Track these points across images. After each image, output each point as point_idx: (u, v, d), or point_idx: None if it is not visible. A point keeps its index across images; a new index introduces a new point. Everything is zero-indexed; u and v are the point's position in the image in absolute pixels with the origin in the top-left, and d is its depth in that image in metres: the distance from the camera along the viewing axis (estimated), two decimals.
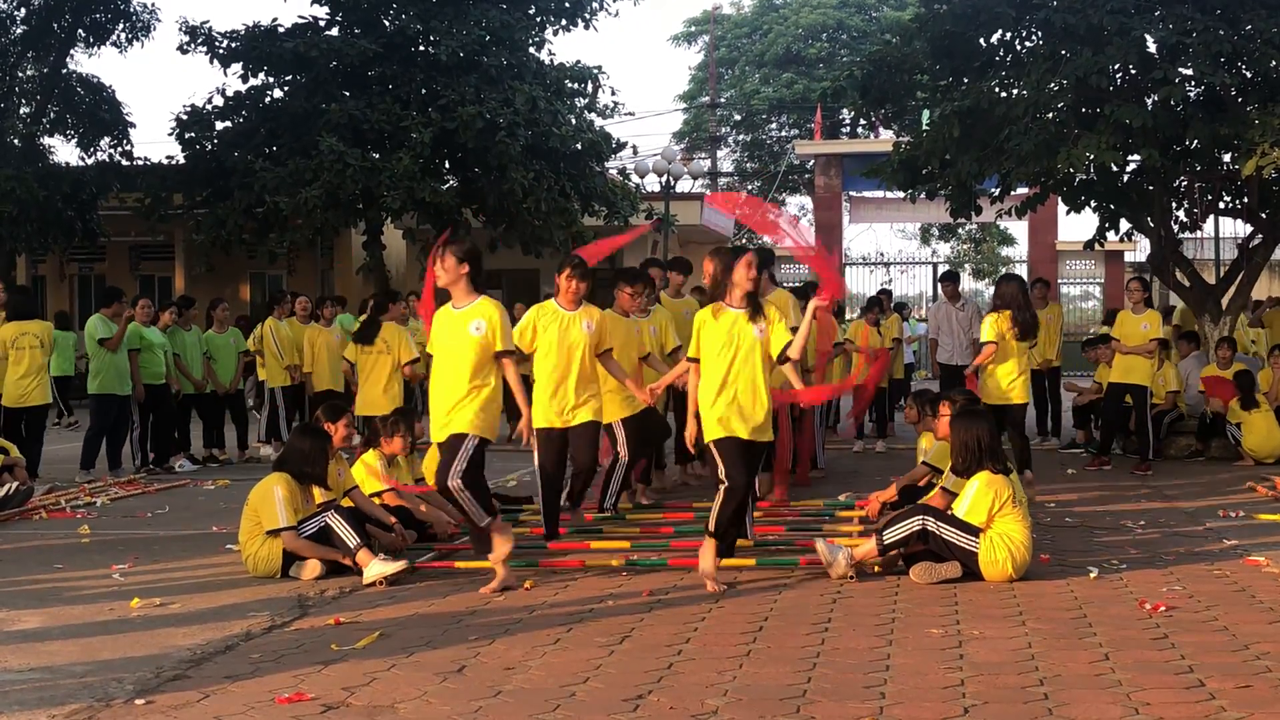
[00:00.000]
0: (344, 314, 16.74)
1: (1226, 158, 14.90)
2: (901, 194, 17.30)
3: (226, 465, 14.13)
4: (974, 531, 7.20)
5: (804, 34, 45.30)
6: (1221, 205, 16.81)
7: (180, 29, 22.11)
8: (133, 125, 24.90)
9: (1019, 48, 15.27)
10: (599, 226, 23.11)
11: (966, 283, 42.90)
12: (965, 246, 46.12)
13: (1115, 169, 14.77)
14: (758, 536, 8.45)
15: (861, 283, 33.71)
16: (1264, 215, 15.56)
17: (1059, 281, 31.57)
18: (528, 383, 8.04)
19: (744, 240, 40.67)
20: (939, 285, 17.15)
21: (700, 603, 6.80)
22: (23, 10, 24.51)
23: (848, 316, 19.37)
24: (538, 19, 22.92)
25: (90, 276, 28.60)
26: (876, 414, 15.24)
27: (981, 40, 15.15)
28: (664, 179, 27.59)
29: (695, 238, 28.42)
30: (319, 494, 8.13)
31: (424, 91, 21.48)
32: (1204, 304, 15.49)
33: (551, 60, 23.08)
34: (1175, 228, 16.68)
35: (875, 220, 37.90)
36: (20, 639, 6.26)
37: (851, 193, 35.41)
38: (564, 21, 23.03)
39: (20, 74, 25.93)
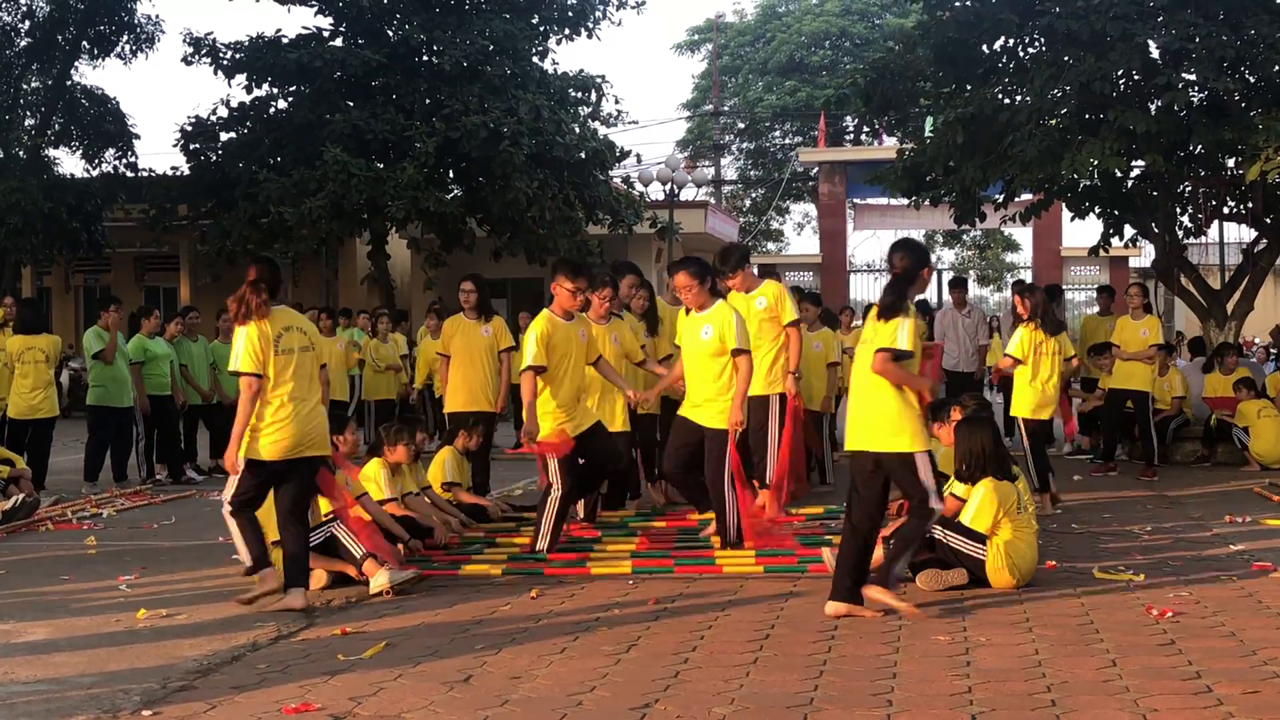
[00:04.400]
0: (352, 328, 16.79)
1: (1230, 163, 14.90)
2: (905, 201, 17.31)
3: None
4: (980, 539, 7.20)
5: (807, 41, 45.31)
6: (1226, 210, 16.80)
7: (184, 40, 22.17)
8: (137, 137, 24.99)
9: (1022, 54, 15.29)
10: (603, 235, 23.15)
11: (972, 289, 42.92)
12: (970, 253, 46.14)
13: (1119, 175, 14.76)
14: (762, 547, 8.45)
15: (866, 290, 33.73)
16: (1269, 220, 15.55)
17: (1064, 288, 31.52)
18: None
19: (749, 245, 40.76)
20: (948, 291, 17.09)
21: (707, 611, 6.80)
22: (27, 23, 24.59)
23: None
24: (541, 28, 22.97)
25: (96, 288, 28.63)
26: None
27: (984, 47, 15.16)
28: (668, 187, 27.58)
29: (700, 245, 28.44)
30: (325, 503, 8.13)
31: (428, 101, 21.51)
32: (1209, 310, 15.48)
33: (555, 69, 23.14)
34: (1180, 233, 16.67)
35: (879, 227, 37.82)
36: (27, 651, 6.27)
37: (855, 200, 35.40)
38: (567, 31, 23.08)
39: (25, 86, 26.01)
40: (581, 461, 8.60)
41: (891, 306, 6.40)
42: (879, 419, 6.46)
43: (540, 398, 8.37)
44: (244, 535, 7.23)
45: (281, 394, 7.09)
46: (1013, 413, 11.54)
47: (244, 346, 7.09)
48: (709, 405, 8.42)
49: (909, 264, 6.53)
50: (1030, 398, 10.60)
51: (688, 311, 8.67)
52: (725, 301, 8.69)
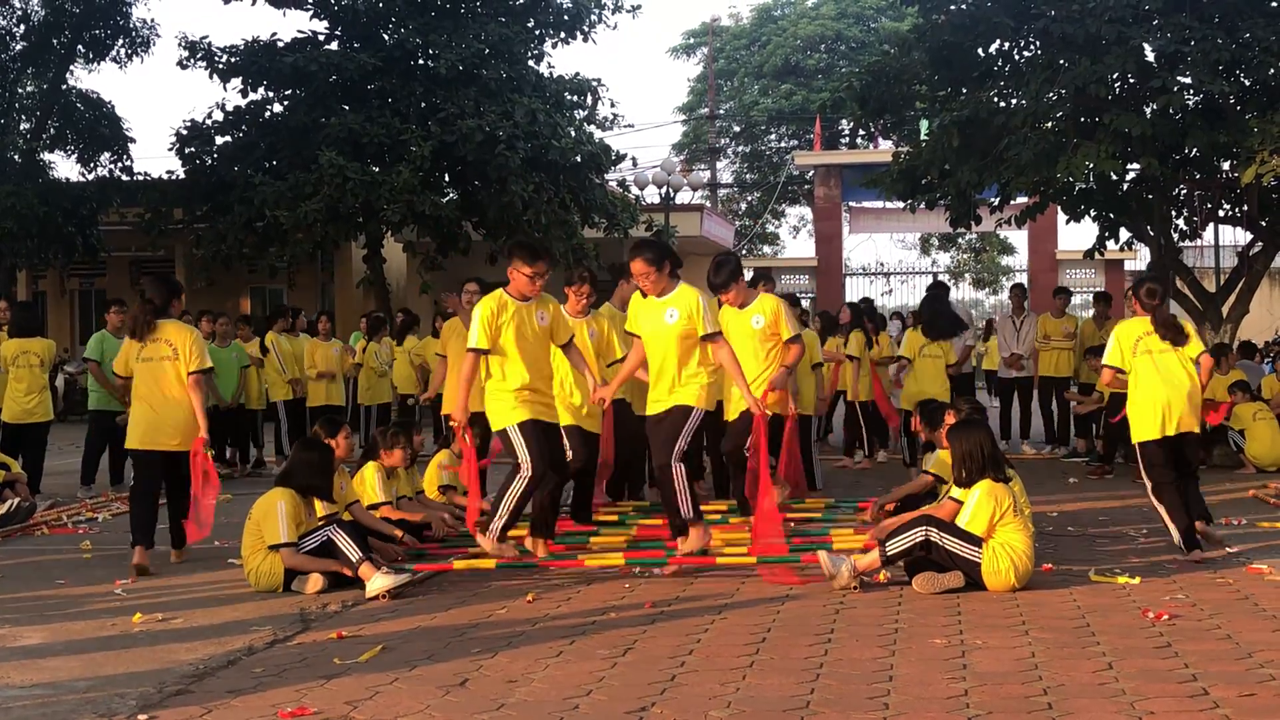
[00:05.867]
0: (355, 332, 16.86)
1: (1226, 165, 14.94)
2: (901, 204, 17.32)
3: (229, 479, 14.11)
4: (976, 541, 7.20)
5: (803, 45, 45.37)
6: (1221, 213, 16.83)
7: (180, 44, 22.14)
8: (133, 140, 24.96)
9: (1017, 57, 15.32)
10: (599, 238, 23.15)
11: (967, 292, 43.02)
12: (965, 256, 46.18)
13: (1114, 178, 14.80)
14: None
15: (861, 293, 33.74)
16: (1264, 223, 15.57)
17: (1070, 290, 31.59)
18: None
19: (744, 251, 40.81)
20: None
21: (703, 614, 6.80)
22: (22, 27, 24.57)
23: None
24: (537, 32, 22.97)
25: (91, 291, 28.63)
26: (875, 425, 15.00)
27: (980, 50, 15.18)
28: (663, 190, 27.62)
29: (695, 249, 28.47)
30: (321, 507, 8.13)
31: (423, 105, 21.50)
32: (1205, 313, 15.49)
33: (551, 73, 23.14)
34: (1175, 236, 16.70)
35: (875, 230, 37.96)
36: (23, 655, 6.26)
37: (851, 203, 35.47)
38: (563, 34, 23.09)
39: (20, 90, 26.00)
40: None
41: (1179, 337, 8.42)
42: (1192, 407, 8.30)
43: (492, 380, 7.94)
44: (131, 512, 8.75)
45: (138, 394, 8.63)
46: (902, 404, 12.81)
47: (119, 354, 8.90)
48: (678, 390, 7.88)
49: (1164, 299, 8.59)
50: (915, 391, 12.19)
51: (644, 295, 8.15)
52: (687, 284, 8.11)
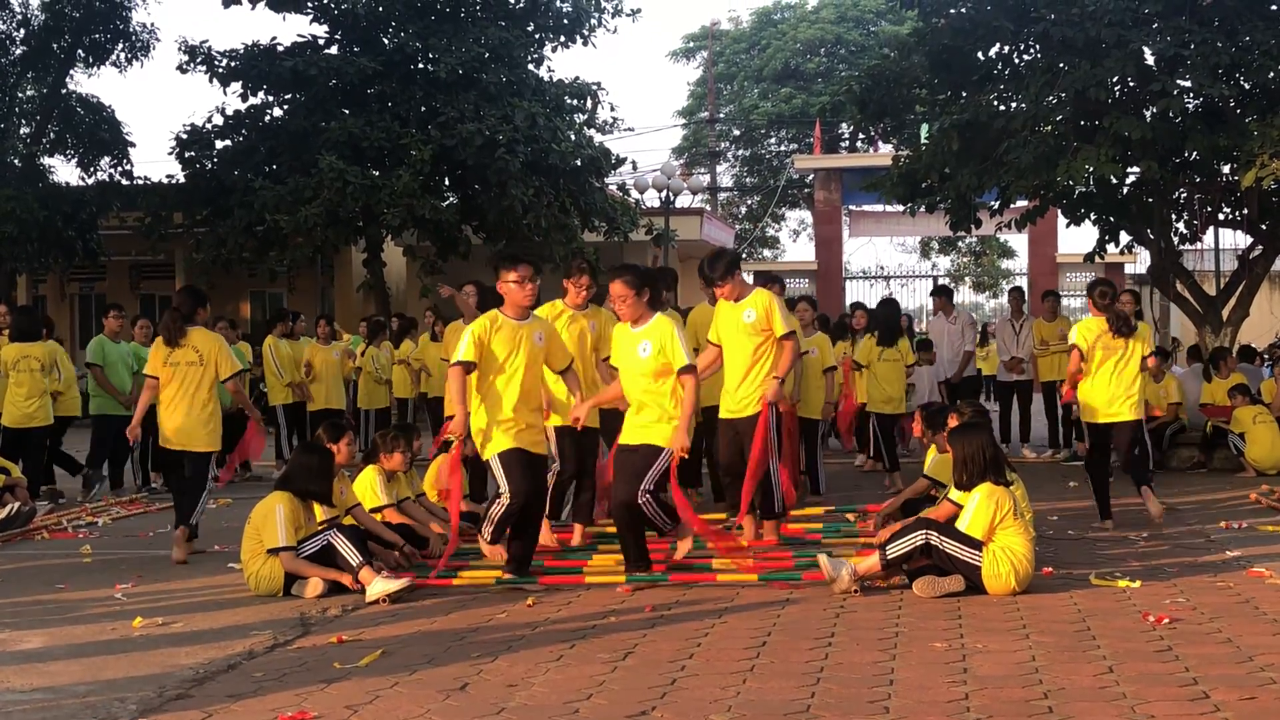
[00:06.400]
0: (354, 336, 16.87)
1: (1226, 169, 14.93)
2: (901, 207, 17.31)
3: (228, 484, 14.10)
4: (976, 545, 7.19)
5: (802, 49, 45.40)
6: (1221, 216, 16.82)
7: (180, 48, 22.16)
8: (132, 145, 24.92)
9: (1017, 61, 15.32)
10: (599, 242, 23.16)
11: (967, 295, 43.06)
12: (965, 259, 46.23)
13: (1114, 181, 14.79)
14: (759, 554, 8.43)
15: (861, 297, 33.72)
16: (1264, 226, 15.57)
17: (1060, 293, 31.55)
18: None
19: (744, 254, 40.79)
20: (931, 299, 17.12)
21: (703, 618, 6.79)
22: (22, 31, 24.57)
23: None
24: (537, 36, 22.98)
25: (91, 296, 28.62)
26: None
27: (980, 54, 15.19)
28: (663, 194, 27.60)
29: (695, 252, 28.46)
30: (321, 511, 8.13)
31: (423, 109, 21.52)
32: (1205, 316, 15.49)
33: (550, 77, 23.14)
34: (1175, 239, 16.69)
35: (875, 234, 37.94)
36: (23, 659, 6.26)
37: (851, 206, 35.46)
38: (563, 38, 23.10)
39: (20, 94, 26.00)
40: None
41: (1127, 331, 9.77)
42: (1126, 396, 9.82)
43: (482, 402, 7.81)
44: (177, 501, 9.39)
45: (164, 397, 9.24)
46: (870, 408, 13.07)
47: (149, 357, 9.53)
48: (651, 428, 7.87)
49: (1115, 299, 9.98)
50: (878, 396, 12.81)
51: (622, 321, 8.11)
52: (663, 314, 8.09)
